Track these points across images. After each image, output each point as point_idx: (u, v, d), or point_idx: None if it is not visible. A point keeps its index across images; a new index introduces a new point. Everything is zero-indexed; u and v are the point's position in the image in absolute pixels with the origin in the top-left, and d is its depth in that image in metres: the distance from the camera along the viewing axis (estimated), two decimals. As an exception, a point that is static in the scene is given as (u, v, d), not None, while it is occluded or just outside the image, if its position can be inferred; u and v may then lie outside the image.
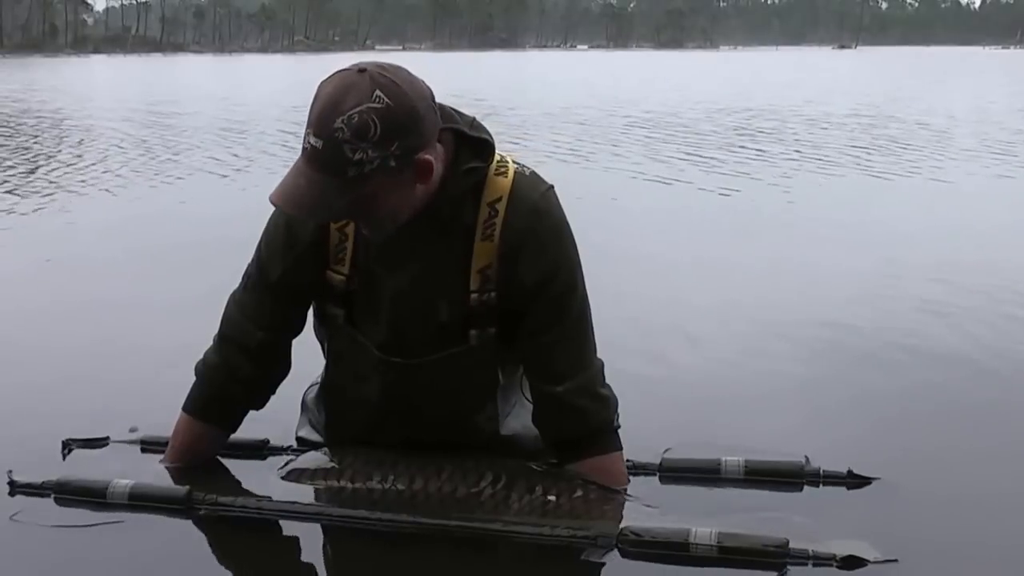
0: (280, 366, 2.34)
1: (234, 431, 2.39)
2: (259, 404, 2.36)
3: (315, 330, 2.37)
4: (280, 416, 2.47)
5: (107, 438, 2.59)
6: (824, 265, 4.97)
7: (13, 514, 2.17)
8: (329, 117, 1.92)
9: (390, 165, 1.96)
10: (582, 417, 2.19)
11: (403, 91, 1.95)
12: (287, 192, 1.98)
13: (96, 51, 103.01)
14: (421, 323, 2.19)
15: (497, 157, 2.16)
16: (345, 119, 1.91)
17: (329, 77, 1.98)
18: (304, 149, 1.97)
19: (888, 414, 2.90)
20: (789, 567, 1.94)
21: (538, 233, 2.14)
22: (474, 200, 2.13)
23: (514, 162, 2.19)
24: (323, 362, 2.37)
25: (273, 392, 2.36)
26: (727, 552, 1.97)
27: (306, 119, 1.96)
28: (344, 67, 1.99)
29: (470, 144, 2.11)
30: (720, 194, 7.65)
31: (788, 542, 1.96)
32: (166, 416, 2.42)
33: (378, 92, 1.92)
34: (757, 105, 18.29)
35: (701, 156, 10.13)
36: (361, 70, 1.96)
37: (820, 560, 1.95)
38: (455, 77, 30.37)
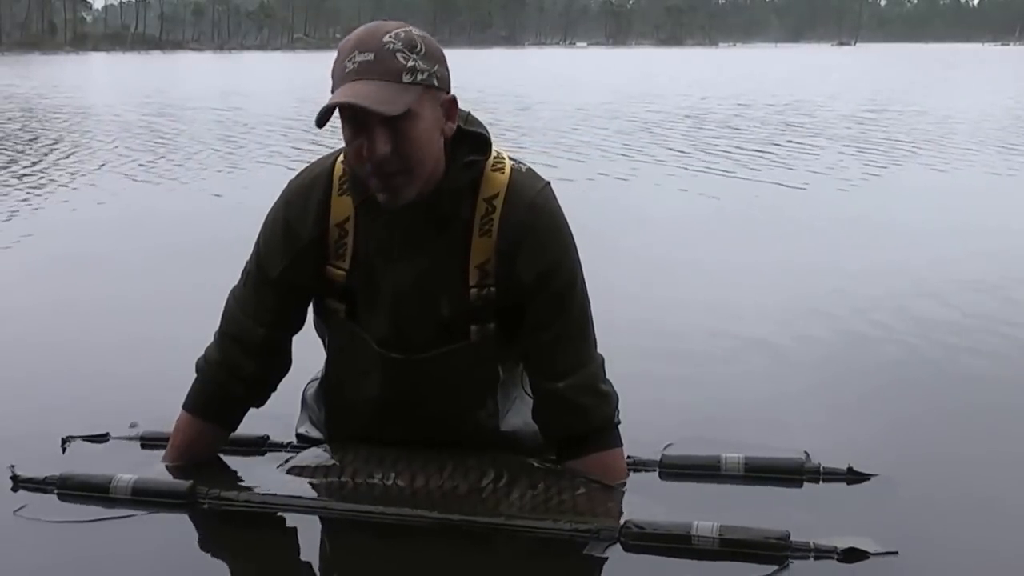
0: (281, 363, 2.34)
1: (235, 429, 2.39)
2: (260, 401, 2.37)
3: (315, 325, 2.37)
4: (280, 412, 2.47)
5: (107, 434, 2.59)
6: (831, 264, 4.95)
7: (16, 509, 2.18)
8: (375, 35, 2.01)
9: (434, 84, 2.03)
10: (583, 414, 2.20)
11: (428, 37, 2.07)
12: (346, 94, 1.97)
13: (95, 49, 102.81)
14: (421, 319, 2.19)
15: (494, 153, 2.17)
16: (393, 35, 2.01)
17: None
18: (348, 71, 1.99)
19: (887, 412, 2.90)
20: (791, 560, 1.95)
21: (536, 230, 2.14)
22: (471, 196, 2.14)
23: (510, 159, 2.20)
24: (323, 358, 2.37)
25: (274, 389, 2.36)
26: (729, 545, 1.97)
27: (337, 63, 2.00)
28: None
29: (467, 138, 2.13)
30: (750, 190, 7.67)
31: (789, 535, 1.97)
32: (166, 412, 2.43)
33: (410, 28, 2.04)
34: (782, 101, 18.29)
35: (743, 150, 10.17)
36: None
37: (821, 553, 1.96)
38: (470, 73, 30.12)
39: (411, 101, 1.99)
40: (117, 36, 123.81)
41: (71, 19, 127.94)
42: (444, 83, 2.06)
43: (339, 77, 2.00)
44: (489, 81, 26.17)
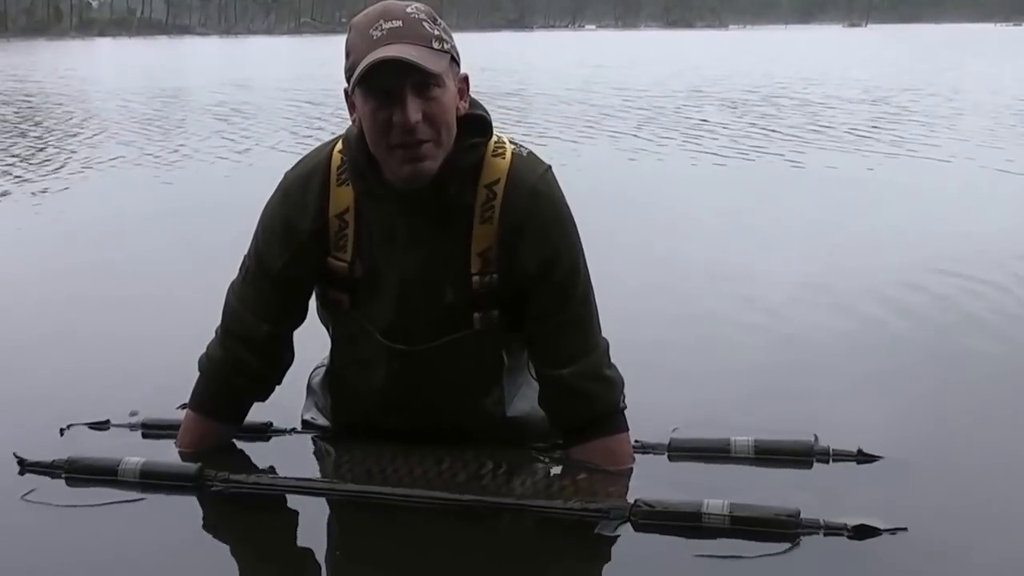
0: (285, 357, 2.33)
1: (241, 422, 2.39)
2: (265, 396, 2.36)
3: (318, 314, 2.36)
4: (283, 400, 2.45)
5: (107, 421, 2.58)
6: (847, 243, 4.90)
7: (24, 494, 2.18)
8: (396, 7, 2.02)
9: (455, 56, 2.06)
10: (588, 400, 2.19)
11: None
12: (388, 52, 1.96)
13: (101, 34, 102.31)
14: (426, 307, 2.18)
15: (495, 139, 2.16)
16: (414, 7, 2.02)
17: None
18: (378, 38, 1.98)
19: (896, 396, 2.88)
20: (801, 537, 1.94)
21: (538, 216, 2.13)
22: (473, 182, 2.13)
23: (511, 143, 2.18)
24: (327, 346, 2.35)
25: (279, 383, 2.36)
26: (739, 523, 1.97)
27: (359, 34, 2.00)
28: None
29: (469, 120, 2.12)
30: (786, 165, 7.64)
31: (800, 512, 1.96)
32: (166, 400, 2.44)
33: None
34: (843, 81, 18.10)
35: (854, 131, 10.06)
36: None
37: (832, 530, 1.96)
38: (497, 57, 29.76)
39: (444, 67, 2.01)
40: (123, 21, 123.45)
41: (77, 4, 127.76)
42: (459, 59, 2.08)
43: (367, 45, 1.98)
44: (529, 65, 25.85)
